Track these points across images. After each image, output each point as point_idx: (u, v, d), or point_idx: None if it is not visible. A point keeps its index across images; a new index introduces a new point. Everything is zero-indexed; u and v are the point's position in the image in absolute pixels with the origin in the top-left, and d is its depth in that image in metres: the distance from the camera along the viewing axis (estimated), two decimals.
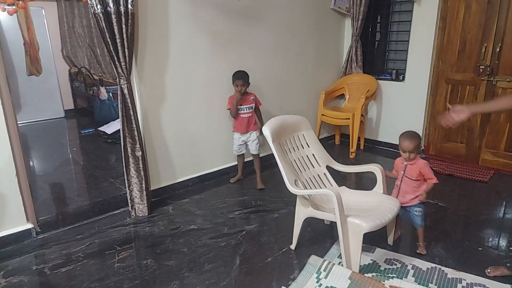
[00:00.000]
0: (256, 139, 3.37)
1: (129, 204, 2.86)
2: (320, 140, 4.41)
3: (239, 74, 3.25)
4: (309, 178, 2.47)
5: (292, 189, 2.19)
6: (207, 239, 2.55)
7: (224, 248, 2.45)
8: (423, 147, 4.25)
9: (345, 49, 4.71)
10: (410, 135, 2.24)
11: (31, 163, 4.20)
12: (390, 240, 2.46)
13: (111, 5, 2.41)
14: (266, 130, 2.34)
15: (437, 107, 4.12)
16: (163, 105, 3.04)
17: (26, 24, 5.15)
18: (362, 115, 4.26)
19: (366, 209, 2.20)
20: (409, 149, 2.20)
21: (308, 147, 2.62)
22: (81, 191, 3.50)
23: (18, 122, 2.54)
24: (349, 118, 4.17)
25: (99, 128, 5.11)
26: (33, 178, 3.50)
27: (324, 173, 2.56)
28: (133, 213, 2.87)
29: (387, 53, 4.60)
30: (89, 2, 2.39)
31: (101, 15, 2.40)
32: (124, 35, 2.52)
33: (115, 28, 2.47)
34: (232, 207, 3.02)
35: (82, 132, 5.39)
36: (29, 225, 2.53)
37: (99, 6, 2.37)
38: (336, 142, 4.85)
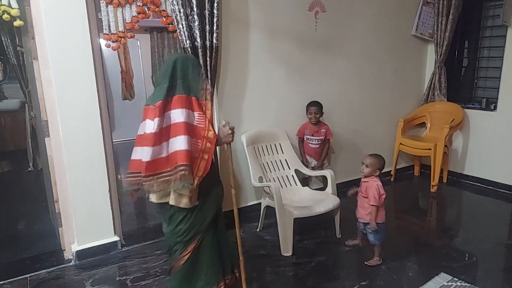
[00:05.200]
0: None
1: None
2: (397, 170, 4.31)
3: (313, 102, 3.35)
4: (277, 177, 3.13)
5: (254, 182, 2.89)
6: (275, 267, 2.55)
7: (293, 278, 2.43)
8: None
9: (427, 76, 4.48)
10: (374, 153, 2.53)
11: (119, 177, 4.62)
12: (337, 233, 2.92)
13: (198, 40, 2.63)
14: (243, 138, 3.06)
15: None
16: (239, 130, 3.17)
17: (124, 55, 5.81)
18: (445, 146, 3.97)
19: (310, 203, 2.79)
20: (366, 162, 2.47)
21: (283, 153, 3.26)
22: None
23: (113, 141, 2.84)
24: (430, 149, 3.91)
25: None
26: (121, 193, 3.84)
27: (292, 175, 3.20)
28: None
29: (475, 80, 4.27)
30: (179, 37, 2.64)
31: (189, 50, 2.63)
32: (208, 67, 2.72)
33: (201, 61, 2.68)
34: (302, 235, 2.98)
35: None
36: (116, 238, 2.78)
37: (188, 41, 2.61)
38: (415, 173, 4.56)
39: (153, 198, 1.77)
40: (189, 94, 1.74)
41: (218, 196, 1.89)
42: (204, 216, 1.81)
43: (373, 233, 2.48)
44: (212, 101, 1.77)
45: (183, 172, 1.60)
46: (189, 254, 1.81)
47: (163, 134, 1.67)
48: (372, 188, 2.42)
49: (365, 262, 2.55)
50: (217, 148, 2.91)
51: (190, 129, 1.67)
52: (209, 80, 2.76)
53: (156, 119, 1.66)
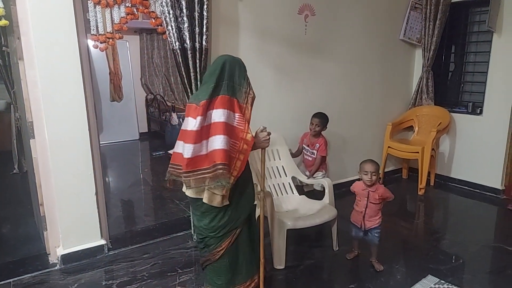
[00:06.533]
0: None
1: (192, 228, 2.97)
2: (386, 173, 4.35)
3: (318, 114, 3.28)
4: (273, 184, 2.99)
5: None
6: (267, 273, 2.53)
7: (284, 282, 2.42)
8: (503, 188, 3.87)
9: (415, 80, 4.53)
10: (369, 159, 2.48)
11: (107, 180, 4.57)
12: (334, 245, 2.78)
13: (188, 42, 2.61)
14: None
15: None
16: None
17: (112, 56, 5.75)
18: (433, 149, 4.02)
19: (307, 213, 2.70)
20: (371, 170, 2.40)
21: (280, 159, 3.09)
22: (149, 211, 3.71)
23: (100, 143, 2.80)
24: (418, 152, 3.95)
25: (168, 151, 5.43)
26: (108, 196, 3.79)
27: (289, 183, 3.05)
28: (194, 237, 2.96)
29: (462, 85, 4.34)
30: (168, 39, 2.62)
31: (178, 51, 2.61)
32: (198, 69, 2.71)
33: (190, 62, 2.66)
34: (290, 239, 2.97)
35: (154, 154, 5.77)
36: (102, 241, 2.73)
37: (177, 43, 2.59)
38: (403, 176, 4.61)
39: (188, 192, 1.85)
40: (232, 95, 1.80)
41: (251, 195, 1.95)
42: (238, 215, 1.87)
43: (379, 233, 2.53)
44: (252, 106, 1.87)
45: (221, 171, 1.67)
46: (223, 250, 1.87)
47: (204, 132, 1.73)
48: (386, 189, 2.48)
49: (378, 270, 2.51)
50: None
51: (229, 130, 1.73)
52: (198, 83, 2.74)
53: (199, 118, 1.72)
